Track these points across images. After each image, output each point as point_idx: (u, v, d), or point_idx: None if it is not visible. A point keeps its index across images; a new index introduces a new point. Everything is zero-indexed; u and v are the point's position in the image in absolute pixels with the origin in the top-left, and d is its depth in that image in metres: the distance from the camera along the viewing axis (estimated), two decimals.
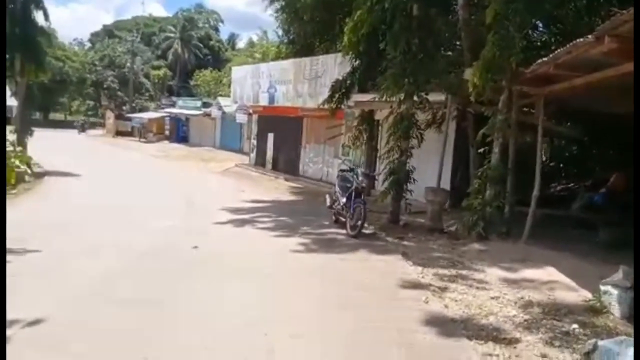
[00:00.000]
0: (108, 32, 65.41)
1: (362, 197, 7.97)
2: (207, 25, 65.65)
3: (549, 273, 5.81)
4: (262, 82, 18.35)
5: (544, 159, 11.95)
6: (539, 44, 12.13)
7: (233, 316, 4.25)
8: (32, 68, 15.40)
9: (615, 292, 4.55)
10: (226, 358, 3.52)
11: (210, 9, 69.09)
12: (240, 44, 66.76)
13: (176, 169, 20.11)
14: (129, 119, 43.60)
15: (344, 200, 8.11)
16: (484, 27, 8.05)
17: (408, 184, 8.91)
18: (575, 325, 4.23)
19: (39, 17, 15.45)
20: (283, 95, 16.93)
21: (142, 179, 15.84)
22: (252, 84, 19.19)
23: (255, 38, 48.95)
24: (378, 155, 12.73)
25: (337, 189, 8.54)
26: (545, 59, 6.33)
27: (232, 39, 70.78)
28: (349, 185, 8.14)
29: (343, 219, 8.19)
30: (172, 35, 60.32)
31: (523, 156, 8.53)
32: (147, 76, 57.46)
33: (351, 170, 8.38)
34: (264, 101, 18.32)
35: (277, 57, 21.94)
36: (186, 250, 6.48)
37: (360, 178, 8.06)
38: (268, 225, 8.59)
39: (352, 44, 10.66)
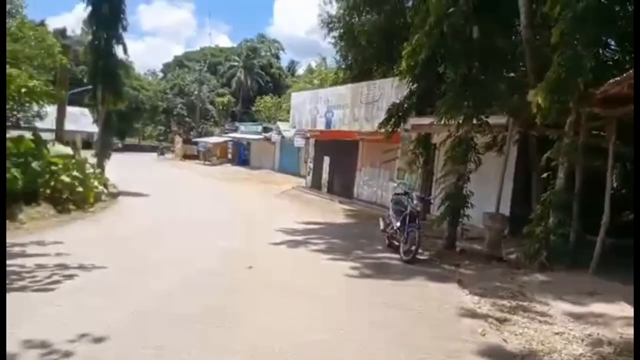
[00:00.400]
0: (178, 62, 70.23)
1: (417, 221, 7.81)
2: (268, 54, 68.55)
3: (621, 308, 5.32)
4: (319, 107, 18.76)
5: (615, 184, 11.12)
6: (610, 63, 11.44)
7: (281, 339, 4.26)
8: (112, 98, 16.83)
9: None
10: None
11: (272, 38, 72.19)
12: (300, 70, 69.01)
13: (236, 191, 20.84)
14: (196, 143, 46.16)
15: (398, 224, 7.99)
16: (548, 47, 7.75)
17: (465, 209, 8.61)
18: None
19: (119, 51, 16.96)
20: (340, 120, 17.18)
21: (205, 199, 16.61)
22: (310, 109, 19.67)
23: (314, 64, 50.32)
24: (434, 179, 12.46)
25: (391, 212, 8.44)
26: (617, 78, 5.97)
27: (292, 66, 73.39)
28: (403, 209, 8.02)
29: (397, 243, 8.04)
30: (236, 64, 63.59)
31: (592, 182, 7.98)
32: (212, 103, 60.74)
33: (406, 193, 8.27)
34: (321, 125, 18.68)
35: (335, 82, 22.39)
36: (241, 270, 6.65)
37: (415, 202, 7.92)
38: (321, 247, 8.63)
39: (410, 67, 10.65)
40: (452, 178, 8.68)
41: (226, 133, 43.97)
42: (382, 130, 13.07)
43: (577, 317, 5.13)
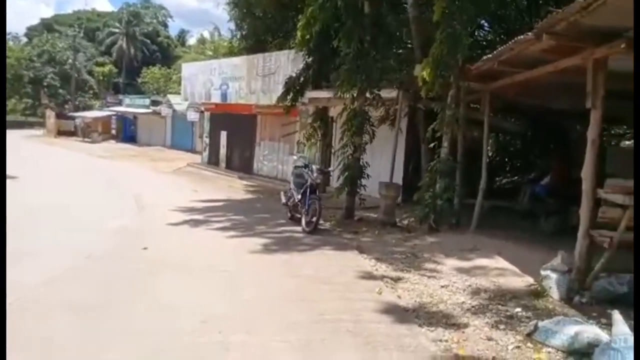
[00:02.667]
0: (47, 27, 61.79)
1: (317, 193, 8.00)
2: (154, 21, 63.48)
3: (496, 261, 6.08)
4: (214, 78, 17.98)
5: (490, 153, 12.52)
6: (484, 42, 12.69)
7: (187, 316, 4.12)
8: None
9: (554, 276, 4.82)
10: (180, 358, 3.41)
11: (157, 4, 66.82)
12: (191, 40, 65.26)
13: (125, 170, 19.28)
14: (72, 118, 41.42)
15: (299, 196, 8.10)
16: (432, 25, 8.29)
17: (362, 180, 9.05)
18: (518, 309, 4.44)
19: None
20: (236, 93, 16.68)
21: (89, 180, 15.07)
22: (204, 81, 18.77)
23: (206, 34, 47.93)
24: (332, 151, 12.84)
25: (292, 185, 8.52)
26: (489, 55, 6.61)
27: (182, 35, 69.03)
28: (303, 181, 8.14)
29: (299, 216, 8.17)
30: (116, 30, 57.90)
31: (471, 151, 8.88)
32: (90, 73, 54.87)
33: (306, 166, 8.38)
34: (216, 98, 17.96)
35: (230, 53, 21.62)
36: (136, 252, 6.23)
37: (315, 174, 8.07)
38: (223, 224, 8.41)
39: (305, 40, 10.63)
40: (349, 150, 9.01)
41: (108, 107, 40.12)
42: (280, 104, 13.07)
43: (460, 270, 5.75)
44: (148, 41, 58.60)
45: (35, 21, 66.07)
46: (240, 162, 18.28)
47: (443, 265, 6.03)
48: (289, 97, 13.00)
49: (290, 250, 6.74)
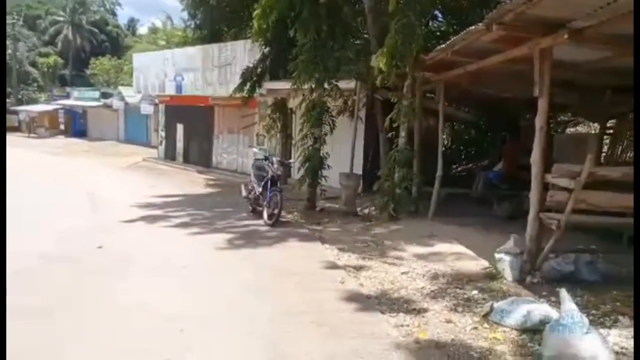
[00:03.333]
0: None
1: (278, 185, 7.95)
2: (102, 9, 60.51)
3: (453, 246, 6.29)
4: (167, 70, 17.39)
5: (445, 142, 12.87)
6: (438, 33, 12.94)
7: (147, 315, 4.01)
8: None
9: (507, 258, 5.04)
10: (142, 358, 3.32)
11: None
12: (142, 29, 62.60)
13: (75, 166, 18.41)
14: (15, 113, 39.02)
15: (260, 189, 8.02)
16: (388, 16, 8.37)
17: (322, 171, 9.06)
18: (475, 292, 4.62)
19: None
20: (191, 84, 16.22)
21: (37, 177, 14.26)
22: (157, 72, 18.12)
23: (158, 23, 46.21)
24: (293, 143, 12.79)
25: (253, 178, 8.42)
26: (443, 46, 6.76)
27: (132, 24, 66.16)
28: (264, 174, 8.07)
29: (260, 209, 8.11)
30: (61, 19, 54.71)
31: (427, 140, 9.10)
32: (33, 64, 51.60)
33: (266, 158, 8.29)
34: (170, 90, 17.39)
35: (184, 43, 20.95)
36: (91, 251, 5.99)
37: (275, 166, 8.00)
38: (182, 220, 8.22)
39: (261, 30, 10.48)
40: (309, 141, 8.99)
41: (55, 100, 38.04)
42: (238, 95, 12.83)
43: (419, 257, 5.90)
44: (96, 30, 55.75)
45: None
46: (198, 156, 17.88)
47: (403, 252, 6.17)
48: (246, 88, 12.78)
49: (253, 244, 6.68)
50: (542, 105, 5.02)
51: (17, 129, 37.98)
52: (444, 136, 11.53)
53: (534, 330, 3.65)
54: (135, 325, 3.81)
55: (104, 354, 3.36)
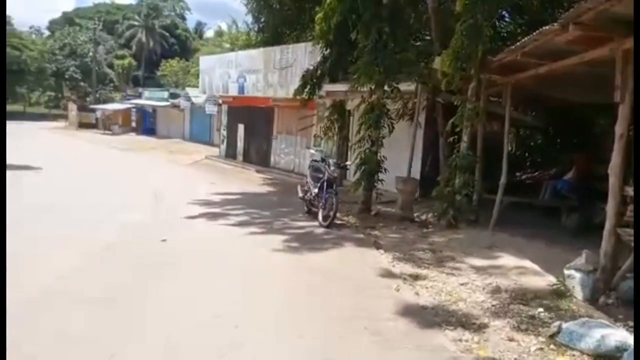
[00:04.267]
0: (68, 20, 62.72)
1: (334, 187, 7.94)
2: (173, 14, 63.88)
3: (516, 259, 5.95)
4: (231, 71, 18.01)
5: (510, 148, 12.24)
6: (505, 34, 12.36)
7: (204, 310, 4.14)
8: None
9: (578, 275, 4.69)
10: (197, 353, 3.42)
11: None
12: (209, 33, 65.48)
13: (143, 162, 19.57)
14: (93, 111, 42.14)
15: (315, 190, 8.07)
16: (452, 17, 8.11)
17: (379, 174, 8.95)
18: (540, 309, 4.33)
19: None
20: (253, 85, 16.69)
21: (107, 172, 15.33)
22: (221, 74, 18.82)
23: (224, 27, 48.02)
24: (350, 145, 12.75)
25: (309, 179, 8.49)
26: (512, 47, 6.42)
27: (200, 27, 69.34)
28: (320, 175, 8.10)
29: (315, 210, 8.15)
30: (136, 23, 58.44)
31: (491, 145, 8.69)
32: (110, 66, 55.53)
33: (323, 160, 8.33)
34: (233, 91, 18.01)
35: (247, 45, 21.59)
36: (155, 244, 6.30)
37: (332, 168, 8.01)
38: (240, 218, 8.45)
39: (323, 33, 10.58)
40: (367, 144, 8.92)
41: (128, 99, 40.64)
42: (298, 97, 12.99)
43: (479, 269, 5.64)
44: (167, 34, 59.01)
45: (57, 15, 66.80)
46: (257, 156, 18.33)
47: (462, 262, 5.93)
48: (306, 90, 12.90)
49: (308, 246, 6.71)
50: (624, 111, 4.61)
51: (94, 126, 41.03)
52: (509, 141, 10.96)
53: (608, 357, 3.35)
54: (192, 319, 3.94)
55: (158, 346, 3.49)
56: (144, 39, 57.12)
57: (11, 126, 28.18)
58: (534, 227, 7.59)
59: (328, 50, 12.57)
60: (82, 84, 53.49)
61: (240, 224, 7.98)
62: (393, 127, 9.15)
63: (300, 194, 8.76)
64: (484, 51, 7.42)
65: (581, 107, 9.96)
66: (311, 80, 12.87)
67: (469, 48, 7.30)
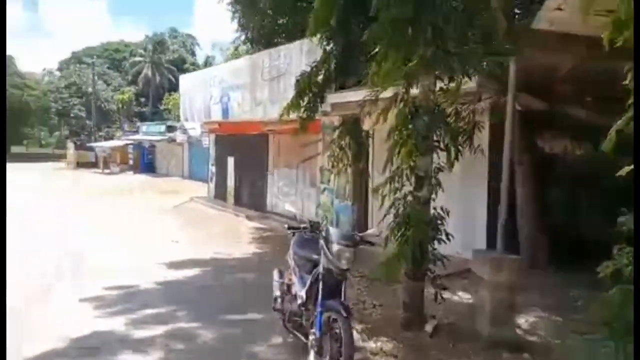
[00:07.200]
0: (77, 59, 61.57)
1: (343, 292, 3.51)
2: (182, 49, 62.12)
3: None
4: (213, 90, 14.05)
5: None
6: None
7: None
8: None
9: None
10: None
11: (186, 33, 65.73)
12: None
13: (113, 207, 15.63)
14: (92, 149, 39.19)
15: (303, 294, 3.61)
16: None
17: (434, 242, 4.46)
18: None
19: None
20: (238, 106, 12.63)
21: (46, 225, 11.29)
22: (203, 95, 14.89)
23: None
24: (370, 183, 8.61)
25: (292, 264, 4.05)
26: None
27: (209, 61, 67.30)
28: (312, 262, 3.68)
29: (303, 334, 3.74)
30: (141, 59, 56.78)
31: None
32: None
33: (313, 228, 3.75)
34: (216, 115, 13.97)
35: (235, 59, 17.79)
36: None
37: (335, 246, 3.43)
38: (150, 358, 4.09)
39: (322, 18, 6.68)
40: (406, 183, 4.52)
41: (126, 135, 37.63)
42: (291, 115, 8.69)
43: None
44: (174, 68, 56.92)
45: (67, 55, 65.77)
46: (250, 196, 14.19)
47: None
48: (303, 104, 8.67)
49: None
50: None
51: (94, 165, 37.90)
52: None
53: None
54: None
55: None
56: (150, 74, 55.10)
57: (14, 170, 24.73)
58: None
59: (331, 44, 8.56)
60: (88, 122, 51.26)
61: None
62: (459, 151, 4.67)
63: (276, 294, 4.22)
64: None
65: None
66: (309, 89, 8.68)
67: None
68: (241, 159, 14.70)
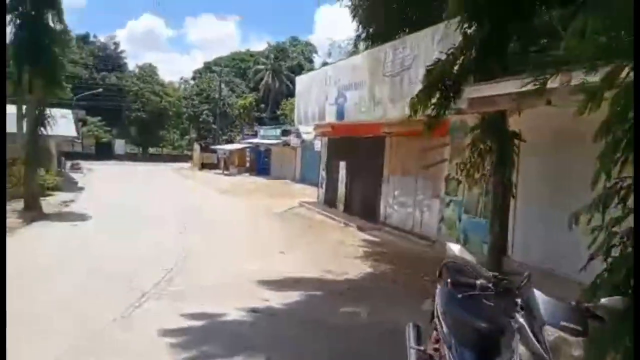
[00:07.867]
0: (208, 69, 67.17)
1: None
2: (301, 57, 64.12)
3: None
4: (328, 90, 13.21)
5: None
6: None
7: None
8: (43, 83, 12.28)
9: None
10: None
11: (305, 41, 67.83)
12: None
13: (227, 207, 15.83)
14: (214, 151, 41.97)
15: None
16: None
17: None
18: None
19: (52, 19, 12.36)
20: (355, 105, 11.55)
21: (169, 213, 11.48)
22: (317, 96, 14.15)
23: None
24: (516, 201, 6.85)
25: (445, 330, 2.52)
26: None
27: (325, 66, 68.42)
28: (482, 328, 2.13)
29: None
30: (263, 67, 59.93)
31: None
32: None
33: (499, 287, 2.06)
34: (330, 117, 13.09)
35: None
36: None
37: (549, 330, 1.69)
38: None
39: None
40: (616, 206, 2.87)
41: (245, 139, 39.38)
42: (418, 113, 7.27)
43: None
44: (292, 75, 58.92)
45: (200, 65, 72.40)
46: (362, 205, 13.06)
47: None
48: (432, 102, 7.17)
49: None
50: None
51: (216, 166, 40.55)
52: None
53: None
54: None
55: None
56: (270, 81, 57.71)
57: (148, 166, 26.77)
58: None
59: (473, 27, 6.97)
60: (213, 126, 55.39)
61: None
62: None
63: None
64: None
65: None
66: (442, 83, 7.18)
67: None
68: (354, 164, 13.65)
